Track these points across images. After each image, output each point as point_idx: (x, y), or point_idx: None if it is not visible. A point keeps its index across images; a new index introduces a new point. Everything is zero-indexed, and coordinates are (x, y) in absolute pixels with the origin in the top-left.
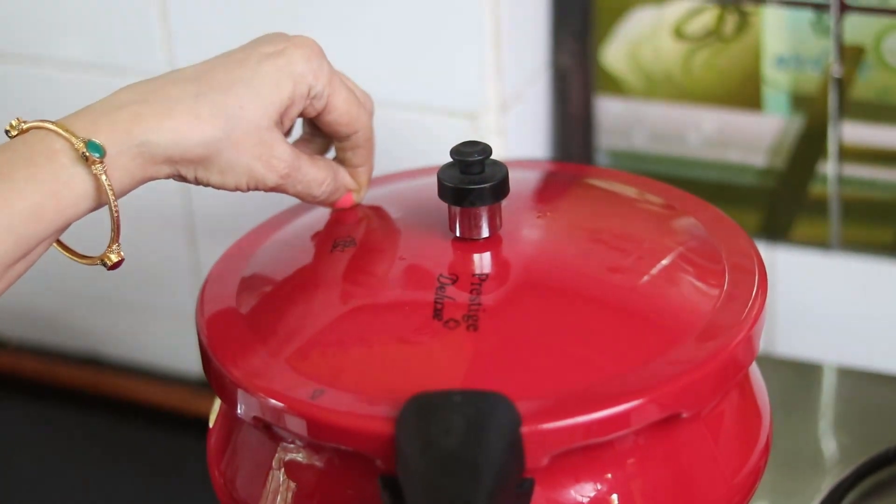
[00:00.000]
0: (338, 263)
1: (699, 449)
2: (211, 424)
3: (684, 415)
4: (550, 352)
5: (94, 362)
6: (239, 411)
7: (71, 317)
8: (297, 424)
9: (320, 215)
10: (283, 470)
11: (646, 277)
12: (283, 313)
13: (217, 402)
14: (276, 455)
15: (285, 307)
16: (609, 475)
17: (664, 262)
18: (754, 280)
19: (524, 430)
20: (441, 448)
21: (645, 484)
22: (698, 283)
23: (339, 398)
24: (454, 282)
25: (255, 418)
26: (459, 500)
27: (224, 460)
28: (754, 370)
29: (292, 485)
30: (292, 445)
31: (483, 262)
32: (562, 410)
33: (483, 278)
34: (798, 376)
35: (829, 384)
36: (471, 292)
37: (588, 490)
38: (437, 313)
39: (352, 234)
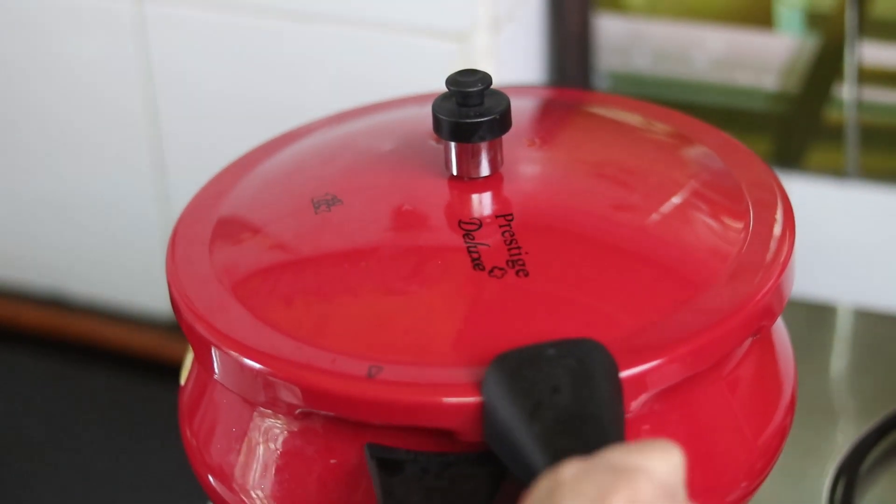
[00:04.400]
0: (330, 225)
1: (718, 410)
2: (182, 381)
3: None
4: (606, 293)
5: (58, 303)
6: (256, 398)
7: (33, 252)
8: (351, 406)
9: (296, 153)
10: (261, 436)
11: (666, 217)
12: (291, 280)
13: (189, 356)
14: (254, 420)
15: (289, 274)
16: None
17: (683, 199)
18: (779, 215)
19: (622, 375)
20: (555, 407)
21: None
22: (721, 222)
23: (398, 371)
24: (479, 227)
25: (288, 405)
26: None
27: (196, 420)
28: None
29: (272, 454)
30: (270, 411)
31: (499, 202)
32: (650, 352)
33: (508, 219)
34: (810, 319)
35: (844, 327)
36: (503, 235)
37: None
38: (477, 263)
39: (331, 191)
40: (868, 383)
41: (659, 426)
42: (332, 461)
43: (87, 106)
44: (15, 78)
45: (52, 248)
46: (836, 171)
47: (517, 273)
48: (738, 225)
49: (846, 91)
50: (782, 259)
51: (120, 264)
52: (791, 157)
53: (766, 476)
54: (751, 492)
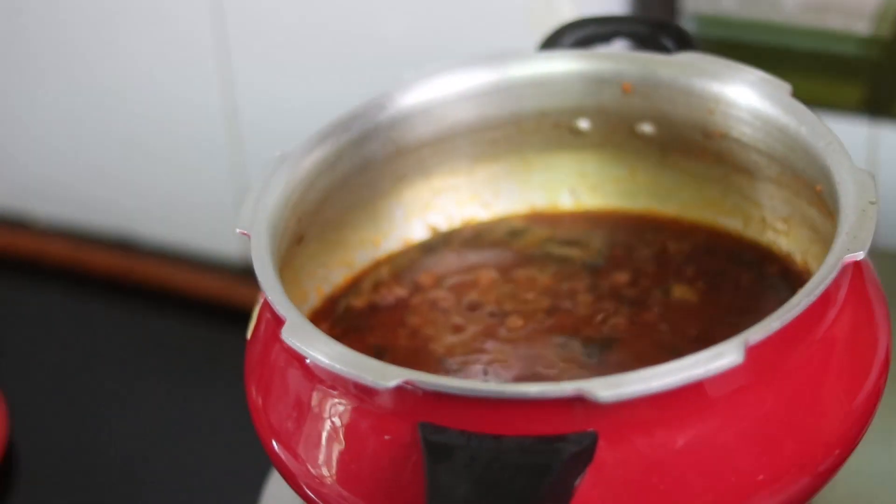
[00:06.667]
0: None
1: (814, 374)
2: (249, 335)
3: None
4: None
5: (126, 246)
6: None
7: (102, 194)
8: None
9: None
10: (322, 412)
11: None
12: None
13: (258, 306)
14: (315, 394)
15: None
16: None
17: None
18: None
19: None
20: None
21: (750, 417)
22: None
23: None
24: None
25: None
26: None
27: (262, 379)
28: (868, 269)
29: (337, 431)
30: (336, 391)
31: None
32: None
33: None
34: None
35: None
36: None
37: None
38: None
39: None
40: None
41: (754, 396)
42: (404, 442)
43: (158, 45)
44: (85, 20)
45: (121, 191)
46: None
47: None
48: None
49: None
50: None
51: (189, 207)
52: (883, 104)
53: (860, 442)
54: (843, 459)
